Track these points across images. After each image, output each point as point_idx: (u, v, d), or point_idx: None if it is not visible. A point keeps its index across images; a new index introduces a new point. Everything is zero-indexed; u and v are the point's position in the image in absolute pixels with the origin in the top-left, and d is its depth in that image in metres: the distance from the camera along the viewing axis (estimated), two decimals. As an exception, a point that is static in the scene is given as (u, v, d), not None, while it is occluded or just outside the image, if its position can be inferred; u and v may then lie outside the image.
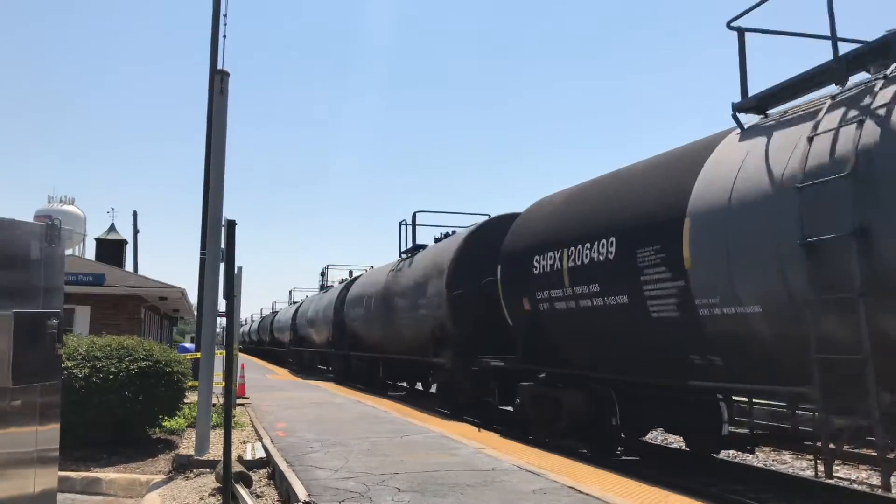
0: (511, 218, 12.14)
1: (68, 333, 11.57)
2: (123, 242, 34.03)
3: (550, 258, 9.29)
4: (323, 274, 37.88)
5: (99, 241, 32.29)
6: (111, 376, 9.15)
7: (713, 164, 6.86)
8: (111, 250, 31.37)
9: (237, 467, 7.00)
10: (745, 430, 8.52)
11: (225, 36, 11.17)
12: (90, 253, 34.44)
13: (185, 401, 11.03)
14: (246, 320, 74.50)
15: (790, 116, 6.39)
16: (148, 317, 26.99)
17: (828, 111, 5.85)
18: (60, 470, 5.14)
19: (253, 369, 29.84)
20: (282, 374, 29.01)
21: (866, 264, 5.08)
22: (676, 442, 11.49)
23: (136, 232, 40.30)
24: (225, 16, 11.51)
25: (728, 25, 6.74)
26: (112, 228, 34.17)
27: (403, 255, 17.94)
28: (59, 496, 5.11)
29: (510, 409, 11.62)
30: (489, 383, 11.87)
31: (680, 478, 8.09)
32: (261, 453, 8.40)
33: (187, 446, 9.27)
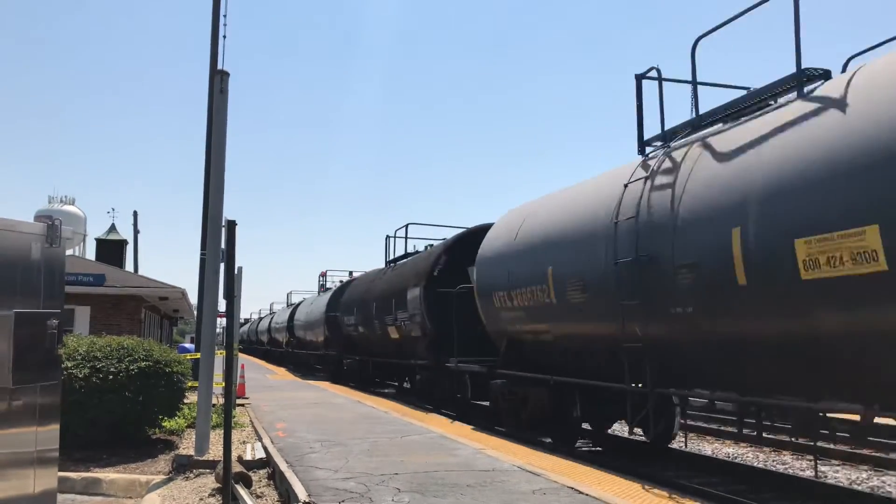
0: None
1: (68, 334, 11.57)
2: (123, 242, 34.05)
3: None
4: (323, 275, 38.05)
5: (99, 242, 32.32)
6: (111, 376, 9.16)
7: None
8: (111, 250, 31.40)
9: (237, 468, 7.00)
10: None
11: (225, 36, 11.20)
12: (90, 253, 34.51)
13: (185, 401, 11.03)
14: (246, 320, 74.21)
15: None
16: (148, 317, 27.01)
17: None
18: (60, 470, 5.14)
19: (253, 369, 29.86)
20: (281, 374, 29.03)
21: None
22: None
23: (136, 232, 40.28)
24: (225, 16, 11.55)
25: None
26: (112, 229, 34.19)
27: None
28: (59, 496, 5.11)
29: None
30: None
31: (681, 477, 8.10)
32: (261, 454, 8.40)
33: (187, 446, 9.28)
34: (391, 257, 19.82)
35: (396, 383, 22.58)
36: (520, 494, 5.91)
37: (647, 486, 6.40)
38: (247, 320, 73.16)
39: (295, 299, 43.63)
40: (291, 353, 35.40)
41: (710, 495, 6.93)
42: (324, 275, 37.49)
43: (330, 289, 29.75)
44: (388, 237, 19.63)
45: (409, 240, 18.96)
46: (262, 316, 59.84)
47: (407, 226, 18.92)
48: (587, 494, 5.91)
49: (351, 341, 22.25)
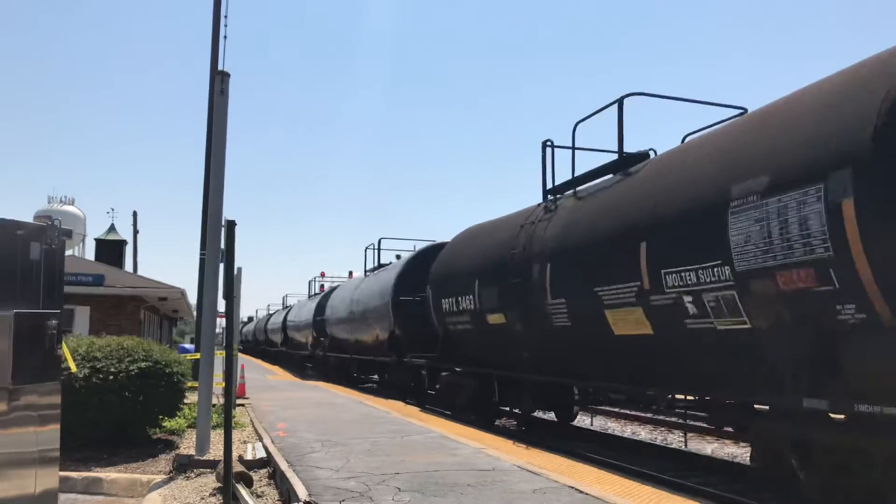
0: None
1: (68, 334, 11.57)
2: (123, 243, 34.09)
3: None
4: (322, 275, 34.81)
5: (99, 242, 32.36)
6: (111, 377, 9.16)
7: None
8: (111, 250, 31.45)
9: (238, 467, 7.00)
10: None
11: (226, 37, 11.15)
12: (90, 253, 34.53)
13: (185, 401, 11.02)
14: (250, 318, 69.87)
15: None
16: (147, 317, 27.02)
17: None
18: (61, 470, 5.14)
19: (254, 370, 29.84)
20: (282, 374, 29.03)
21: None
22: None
23: (135, 232, 40.34)
24: (226, 17, 11.51)
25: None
26: (112, 229, 34.22)
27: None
28: (61, 496, 5.11)
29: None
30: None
31: (680, 477, 8.10)
32: (261, 453, 8.40)
33: (188, 446, 9.28)
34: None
35: (508, 409, 12.67)
36: (520, 494, 5.91)
37: (648, 485, 6.40)
38: (250, 318, 69.09)
39: (317, 289, 33.92)
40: (321, 358, 26.70)
41: (711, 495, 6.94)
42: (323, 275, 35.86)
43: (385, 265, 20.13)
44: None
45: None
46: (273, 312, 49.15)
47: (625, 98, 8.80)
48: (587, 493, 5.92)
49: (452, 340, 13.10)
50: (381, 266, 20.38)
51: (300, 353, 31.86)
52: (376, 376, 22.28)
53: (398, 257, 19.61)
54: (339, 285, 26.98)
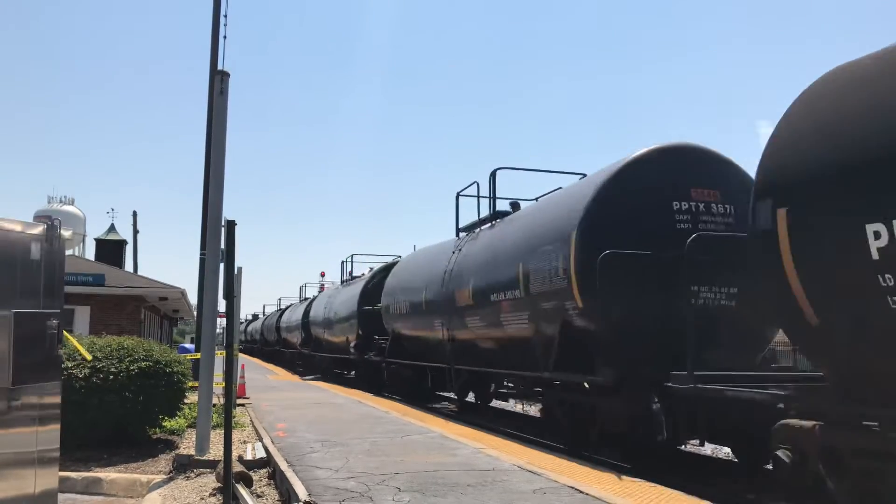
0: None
1: (69, 333, 11.55)
2: (123, 243, 34.15)
3: None
4: (322, 275, 33.78)
5: (99, 242, 32.40)
6: (111, 377, 9.16)
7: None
8: (111, 250, 31.48)
9: (238, 467, 7.00)
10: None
11: (225, 37, 11.14)
12: (90, 253, 34.56)
13: (186, 401, 11.02)
14: (255, 315, 65.47)
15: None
16: (148, 317, 27.03)
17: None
18: (61, 470, 5.14)
19: (254, 370, 29.81)
20: (283, 374, 29.03)
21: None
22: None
23: (135, 232, 40.41)
24: (225, 16, 11.50)
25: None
26: (112, 229, 34.28)
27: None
28: (60, 496, 5.11)
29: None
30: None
31: (678, 477, 8.09)
32: (261, 453, 8.41)
33: (188, 446, 9.28)
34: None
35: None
36: (520, 494, 5.91)
37: (648, 485, 6.40)
38: (255, 315, 64.86)
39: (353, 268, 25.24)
40: (373, 366, 18.74)
41: (711, 495, 6.93)
42: (323, 275, 35.64)
43: (485, 220, 12.75)
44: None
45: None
46: (286, 307, 41.17)
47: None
48: (587, 493, 5.92)
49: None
50: (483, 221, 12.72)
51: (333, 356, 24.16)
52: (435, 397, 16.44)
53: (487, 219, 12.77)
54: (396, 260, 19.70)
